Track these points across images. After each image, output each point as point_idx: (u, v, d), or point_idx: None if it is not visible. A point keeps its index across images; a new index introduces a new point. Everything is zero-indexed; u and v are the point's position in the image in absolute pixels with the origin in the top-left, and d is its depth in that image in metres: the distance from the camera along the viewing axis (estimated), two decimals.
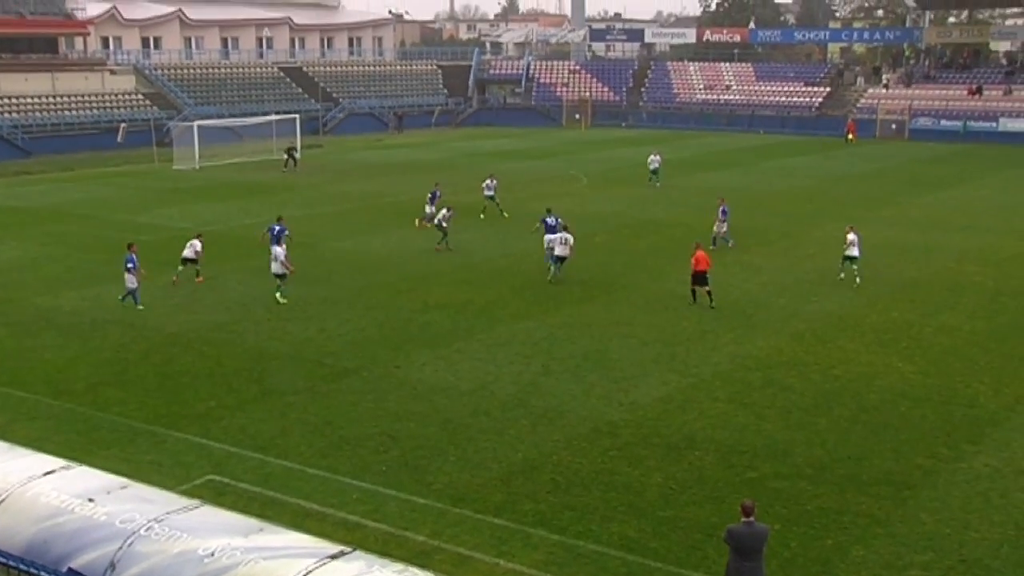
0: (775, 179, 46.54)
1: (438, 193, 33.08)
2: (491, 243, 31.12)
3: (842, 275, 25.34)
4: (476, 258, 28.84)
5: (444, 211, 29.37)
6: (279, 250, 23.63)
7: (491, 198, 35.15)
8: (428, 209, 32.45)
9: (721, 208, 29.62)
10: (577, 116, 79.27)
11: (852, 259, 24.95)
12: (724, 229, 29.37)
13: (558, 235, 25.51)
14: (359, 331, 21.09)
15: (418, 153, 58.06)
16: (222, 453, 14.56)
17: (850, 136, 65.50)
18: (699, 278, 22.96)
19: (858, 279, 24.87)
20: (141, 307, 22.26)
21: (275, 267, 23.42)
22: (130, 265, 22.22)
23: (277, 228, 26.46)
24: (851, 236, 24.99)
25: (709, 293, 22.91)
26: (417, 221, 32.72)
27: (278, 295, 23.21)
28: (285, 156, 50.64)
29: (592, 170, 48.25)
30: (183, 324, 21.66)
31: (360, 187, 43.09)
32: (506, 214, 34.73)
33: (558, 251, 25.28)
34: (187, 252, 25.05)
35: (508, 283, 25.46)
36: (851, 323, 21.84)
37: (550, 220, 27.41)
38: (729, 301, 23.71)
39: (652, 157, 43.47)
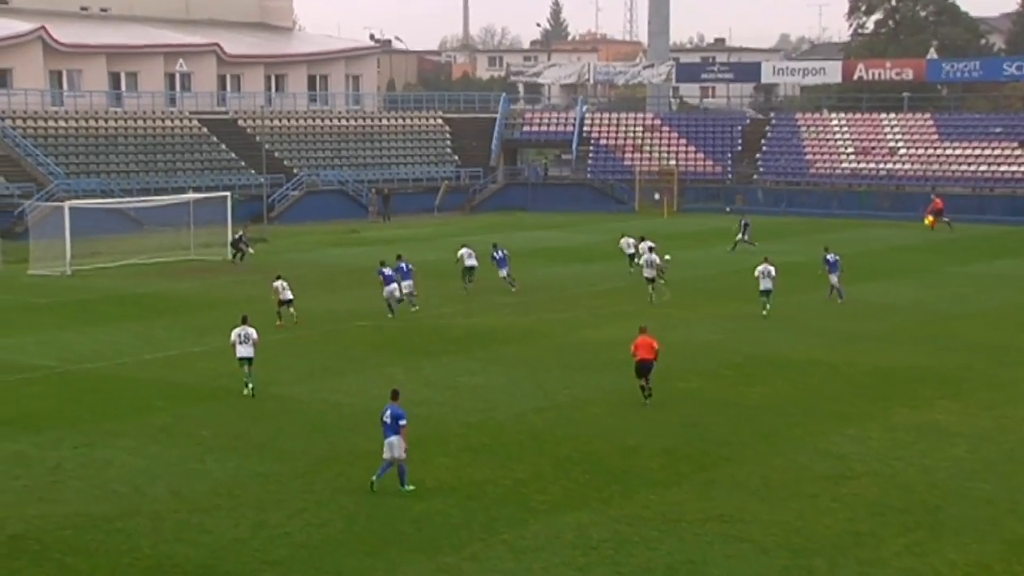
0: (971, 293, 47.03)
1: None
2: (522, 387, 31.38)
3: (764, 312, 39.36)
4: (499, 413, 28.96)
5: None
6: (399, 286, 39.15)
7: (471, 269, 44.42)
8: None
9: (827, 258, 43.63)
10: (657, 196, 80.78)
11: (766, 292, 39.81)
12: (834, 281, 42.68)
13: (761, 267, 40.36)
14: (317, 528, 21.30)
15: (412, 252, 56.73)
16: None
17: (929, 219, 67.59)
18: (643, 369, 28.22)
19: (768, 307, 39.20)
20: (412, 487, 22.95)
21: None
22: (402, 423, 22.72)
23: (404, 267, 41.83)
24: (763, 267, 39.95)
25: (644, 388, 28.26)
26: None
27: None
28: (232, 250, 52.63)
29: (679, 278, 48.68)
30: (34, 520, 21.59)
31: (323, 303, 43.68)
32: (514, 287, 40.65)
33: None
34: None
35: (549, 452, 25.47)
36: None
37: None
38: (899, 484, 23.59)
39: (635, 243, 49.88)
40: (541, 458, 25.03)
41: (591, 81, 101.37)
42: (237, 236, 53.80)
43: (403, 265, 41.82)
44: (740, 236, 59.53)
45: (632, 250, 49.44)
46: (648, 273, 43.43)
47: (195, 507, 22.19)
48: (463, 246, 46.49)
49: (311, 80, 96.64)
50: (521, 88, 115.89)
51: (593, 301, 43.27)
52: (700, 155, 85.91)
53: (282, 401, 29.60)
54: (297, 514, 21.85)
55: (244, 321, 30.63)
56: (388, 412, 22.90)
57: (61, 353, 35.70)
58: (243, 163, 77.87)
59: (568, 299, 40.28)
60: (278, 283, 40.08)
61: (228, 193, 60.27)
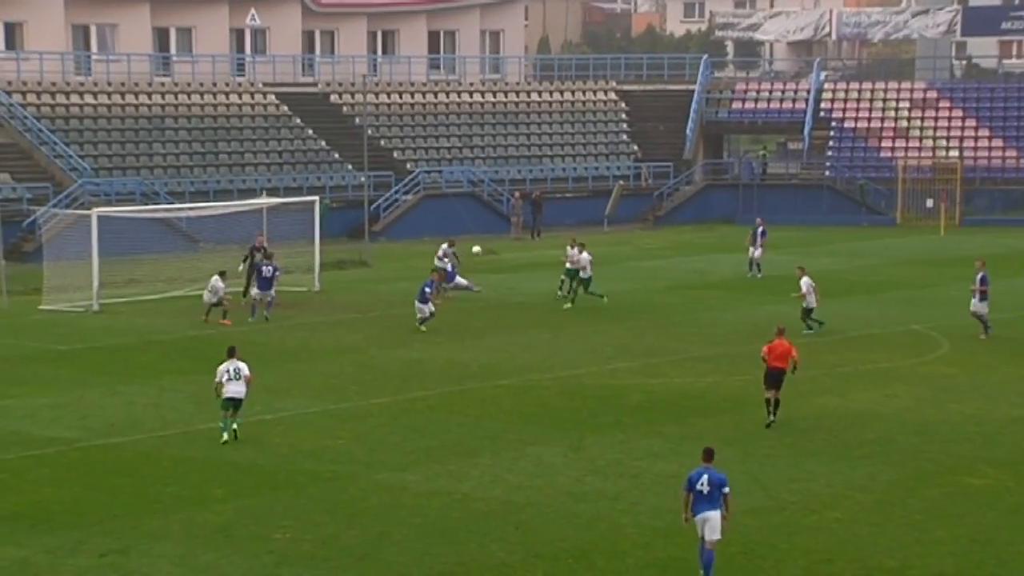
0: None
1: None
2: (730, 479, 29.14)
3: None
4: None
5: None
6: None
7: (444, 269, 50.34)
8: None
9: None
10: (930, 203, 77.95)
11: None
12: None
13: None
14: None
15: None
16: None
17: None
18: (773, 379, 31.50)
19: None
20: None
21: None
22: (726, 490, 22.94)
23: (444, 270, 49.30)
24: None
25: (776, 403, 31.53)
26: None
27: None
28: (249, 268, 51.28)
29: (959, 324, 47.12)
30: None
31: (445, 353, 43.25)
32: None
33: None
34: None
35: (769, 574, 24.24)
36: None
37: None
38: None
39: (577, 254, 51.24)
40: None
41: (833, 36, 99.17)
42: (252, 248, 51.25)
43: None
44: (753, 250, 56.56)
45: (570, 270, 50.31)
46: (813, 300, 44.22)
47: None
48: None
49: (432, 39, 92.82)
50: (730, 48, 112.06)
51: (833, 355, 41.14)
52: (997, 143, 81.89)
53: (388, 492, 28.47)
54: None
55: (231, 354, 32.07)
56: (704, 478, 22.99)
57: (84, 421, 34.63)
58: (337, 155, 76.26)
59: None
60: (214, 281, 45.35)
61: (316, 198, 58.35)
